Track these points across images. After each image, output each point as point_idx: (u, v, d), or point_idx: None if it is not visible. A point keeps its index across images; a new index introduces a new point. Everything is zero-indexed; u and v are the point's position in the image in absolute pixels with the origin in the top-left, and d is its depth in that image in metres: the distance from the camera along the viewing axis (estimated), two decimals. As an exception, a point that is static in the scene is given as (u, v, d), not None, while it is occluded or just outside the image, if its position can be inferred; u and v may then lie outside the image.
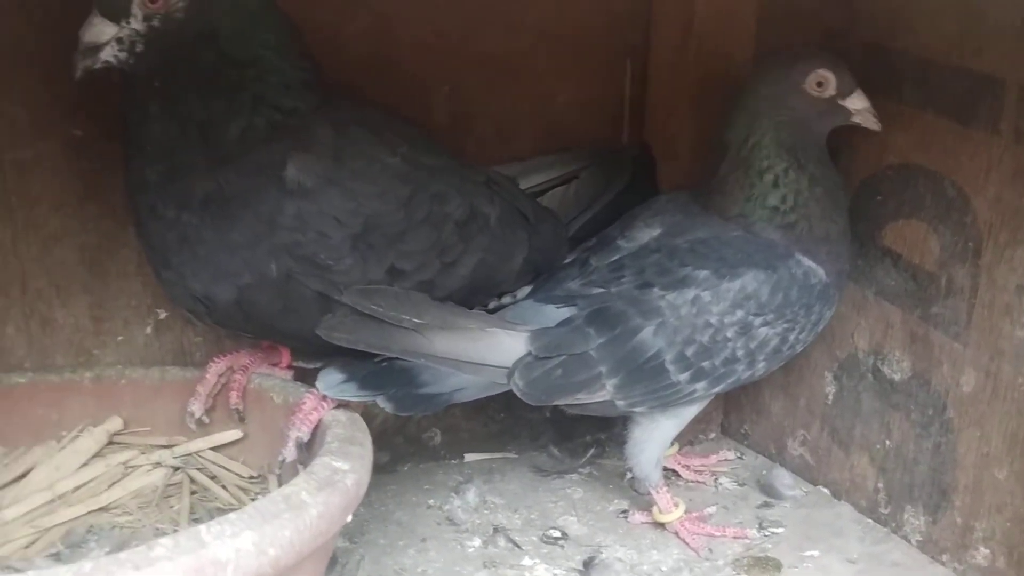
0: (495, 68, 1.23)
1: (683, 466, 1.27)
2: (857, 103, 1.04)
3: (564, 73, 1.28)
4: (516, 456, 1.32)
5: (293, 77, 0.93)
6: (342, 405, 0.96)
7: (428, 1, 1.18)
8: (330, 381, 0.94)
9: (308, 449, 0.94)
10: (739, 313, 1.02)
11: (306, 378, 1.04)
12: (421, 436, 1.29)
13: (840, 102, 1.04)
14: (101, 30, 0.85)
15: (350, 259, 0.92)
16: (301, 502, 0.74)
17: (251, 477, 1.02)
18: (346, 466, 0.81)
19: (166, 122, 0.89)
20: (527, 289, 1.10)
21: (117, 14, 0.86)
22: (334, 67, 1.13)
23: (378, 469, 1.23)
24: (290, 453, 0.94)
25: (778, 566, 1.07)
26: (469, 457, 1.30)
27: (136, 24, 0.86)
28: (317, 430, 0.94)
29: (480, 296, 1.07)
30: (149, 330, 1.14)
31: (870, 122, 1.05)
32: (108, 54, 0.86)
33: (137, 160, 0.91)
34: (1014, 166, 0.96)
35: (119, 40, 0.86)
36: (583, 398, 1.03)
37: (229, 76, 0.90)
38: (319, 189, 0.90)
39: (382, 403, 0.95)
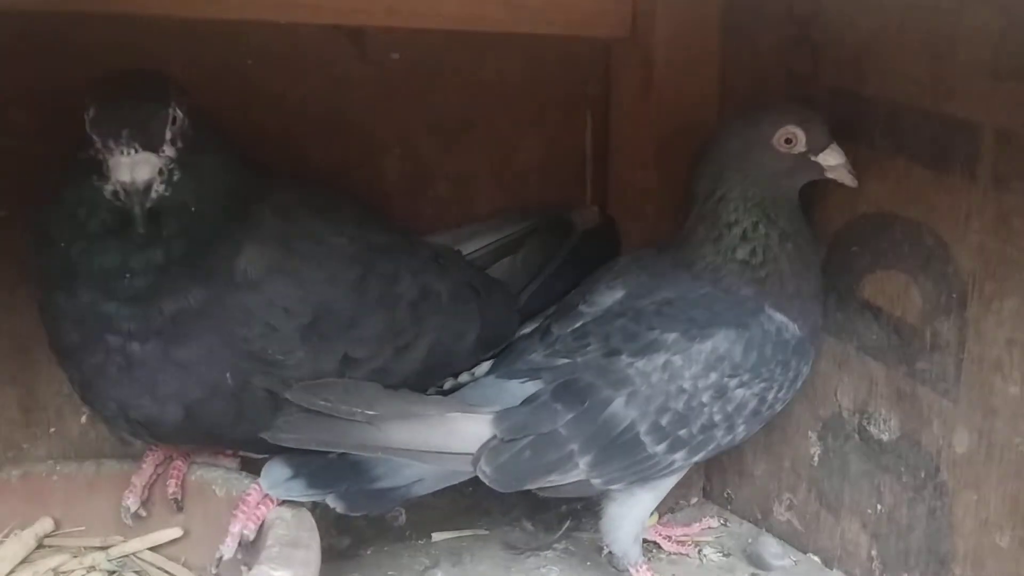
0: (450, 126, 1.19)
1: (664, 537, 1.20)
2: (831, 159, 0.99)
3: (522, 129, 1.24)
4: (487, 533, 1.24)
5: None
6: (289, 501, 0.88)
7: (378, 60, 1.14)
8: (275, 478, 0.88)
9: (253, 546, 0.87)
10: (713, 376, 0.96)
11: (253, 467, 0.97)
12: (385, 516, 1.21)
13: (812, 158, 0.99)
14: (150, 164, 0.79)
15: (301, 352, 0.86)
16: (235, 622, 0.66)
17: (193, 580, 0.93)
18: (287, 574, 0.73)
19: (167, 248, 0.81)
20: (486, 365, 1.04)
21: (155, 143, 0.79)
22: (282, 131, 1.09)
23: (339, 555, 1.17)
24: (228, 550, 0.87)
25: (771, 647, 1.00)
26: (437, 536, 1.22)
27: (169, 151, 0.80)
28: (262, 528, 0.86)
29: (433, 379, 1.01)
30: (83, 419, 1.07)
31: (845, 178, 1.00)
32: (155, 188, 0.79)
33: (83, 292, 0.82)
34: (996, 213, 0.91)
35: (160, 172, 0.80)
36: (556, 479, 0.96)
37: (233, 190, 0.85)
38: (265, 279, 0.84)
39: (332, 502, 0.88)
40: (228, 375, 0.83)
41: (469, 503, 1.24)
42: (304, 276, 0.86)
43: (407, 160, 1.18)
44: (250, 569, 0.84)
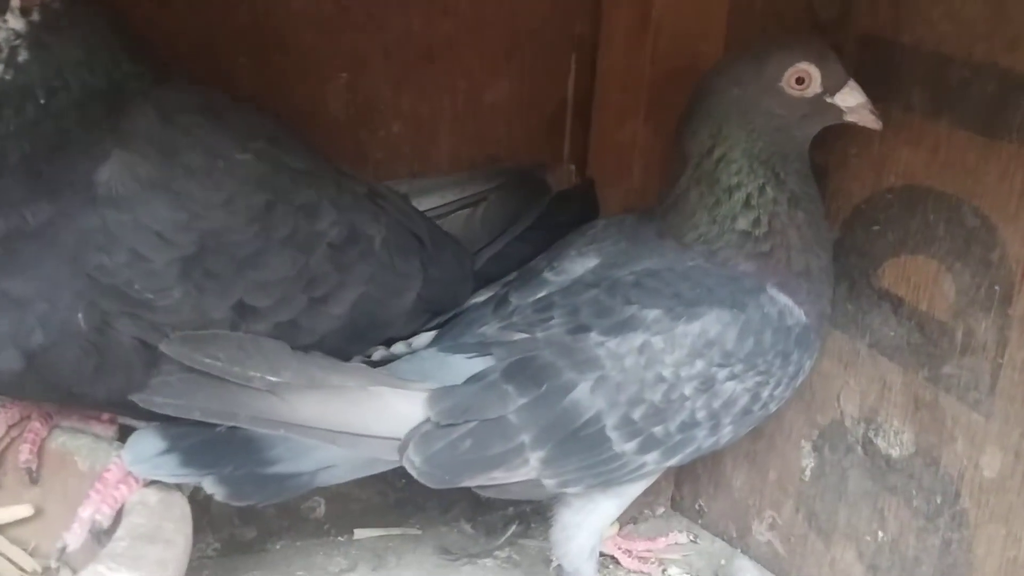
0: (409, 55, 1.03)
1: (624, 551, 1.07)
2: (850, 98, 0.84)
3: (495, 67, 1.08)
4: (419, 532, 1.09)
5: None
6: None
7: (326, -39, 0.97)
8: (141, 451, 0.71)
9: (109, 536, 0.69)
10: (699, 364, 0.81)
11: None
12: (300, 506, 1.06)
13: (828, 100, 0.84)
14: None
15: (179, 291, 0.69)
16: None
17: (38, 572, 0.75)
18: None
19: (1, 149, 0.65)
20: (427, 336, 0.87)
21: None
22: (203, 40, 0.92)
23: (241, 548, 1.02)
24: (75, 540, 0.70)
25: None
26: (360, 533, 1.07)
27: (14, 22, 0.64)
28: (120, 514, 0.68)
29: (360, 344, 0.84)
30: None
31: (868, 120, 0.85)
32: None
33: None
34: (1060, 189, 0.75)
35: None
36: (500, 477, 0.81)
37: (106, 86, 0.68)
38: (135, 195, 0.66)
39: (210, 487, 0.71)
40: (80, 316, 0.66)
41: (400, 496, 1.11)
42: (189, 195, 0.68)
43: (355, 89, 1.02)
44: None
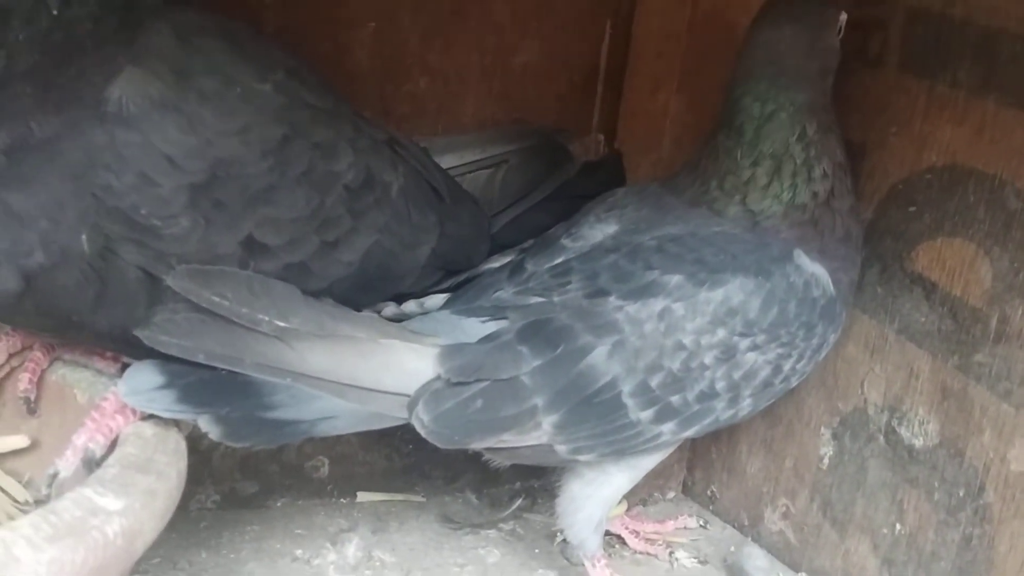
0: (439, 7, 1.00)
1: (631, 531, 1.03)
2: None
3: (527, 26, 1.04)
4: (423, 500, 1.07)
5: None
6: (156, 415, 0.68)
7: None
8: (138, 384, 0.68)
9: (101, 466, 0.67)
10: (721, 332, 0.78)
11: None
12: (304, 465, 1.03)
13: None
14: None
15: (187, 220, 0.66)
16: (12, 558, 0.46)
17: (30, 503, 0.73)
18: (117, 505, 0.54)
19: (9, 55, 0.61)
20: (440, 298, 0.85)
21: None
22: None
23: (241, 502, 1.00)
24: (67, 467, 0.68)
25: None
26: (363, 496, 1.05)
27: None
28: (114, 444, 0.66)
29: (370, 295, 0.81)
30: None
31: None
32: None
33: None
34: (1111, 170, 0.72)
35: None
36: (511, 440, 0.78)
37: None
38: (146, 114, 0.63)
39: (205, 425, 0.69)
40: (84, 237, 0.63)
41: (407, 463, 1.08)
42: (202, 121, 0.65)
43: (383, 40, 0.98)
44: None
